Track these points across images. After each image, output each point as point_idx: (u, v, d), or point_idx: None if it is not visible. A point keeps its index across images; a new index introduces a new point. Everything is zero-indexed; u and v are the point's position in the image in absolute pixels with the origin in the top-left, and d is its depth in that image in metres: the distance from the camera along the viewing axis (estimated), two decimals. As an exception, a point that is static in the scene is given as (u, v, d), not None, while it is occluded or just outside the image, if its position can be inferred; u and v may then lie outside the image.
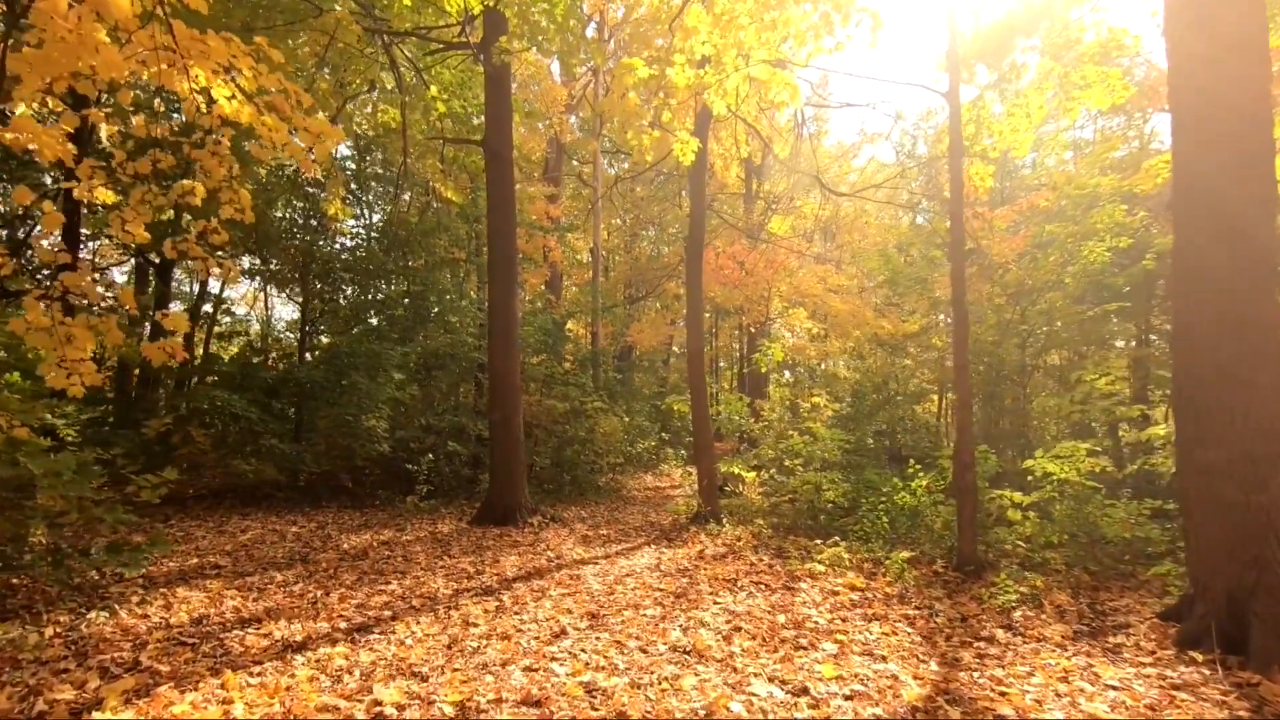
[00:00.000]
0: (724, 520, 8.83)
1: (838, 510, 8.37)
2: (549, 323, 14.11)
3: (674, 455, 19.49)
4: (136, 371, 12.00)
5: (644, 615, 4.93)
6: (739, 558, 6.90)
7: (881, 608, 5.23)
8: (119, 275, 21.25)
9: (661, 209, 23.00)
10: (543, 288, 21.07)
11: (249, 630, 4.34)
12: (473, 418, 12.25)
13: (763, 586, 5.77)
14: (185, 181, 5.62)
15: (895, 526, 7.33)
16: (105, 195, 5.16)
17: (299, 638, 4.24)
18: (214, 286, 15.88)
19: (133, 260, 12.76)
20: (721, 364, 32.39)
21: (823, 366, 20.90)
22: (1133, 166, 14.77)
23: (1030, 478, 7.09)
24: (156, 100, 5.40)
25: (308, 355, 12.76)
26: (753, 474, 9.66)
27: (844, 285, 15.57)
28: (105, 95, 5.91)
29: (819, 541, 7.36)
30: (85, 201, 5.57)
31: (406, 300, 14.11)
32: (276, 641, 4.14)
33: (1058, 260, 10.41)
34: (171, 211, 5.47)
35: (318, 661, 3.83)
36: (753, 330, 20.49)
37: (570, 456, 11.77)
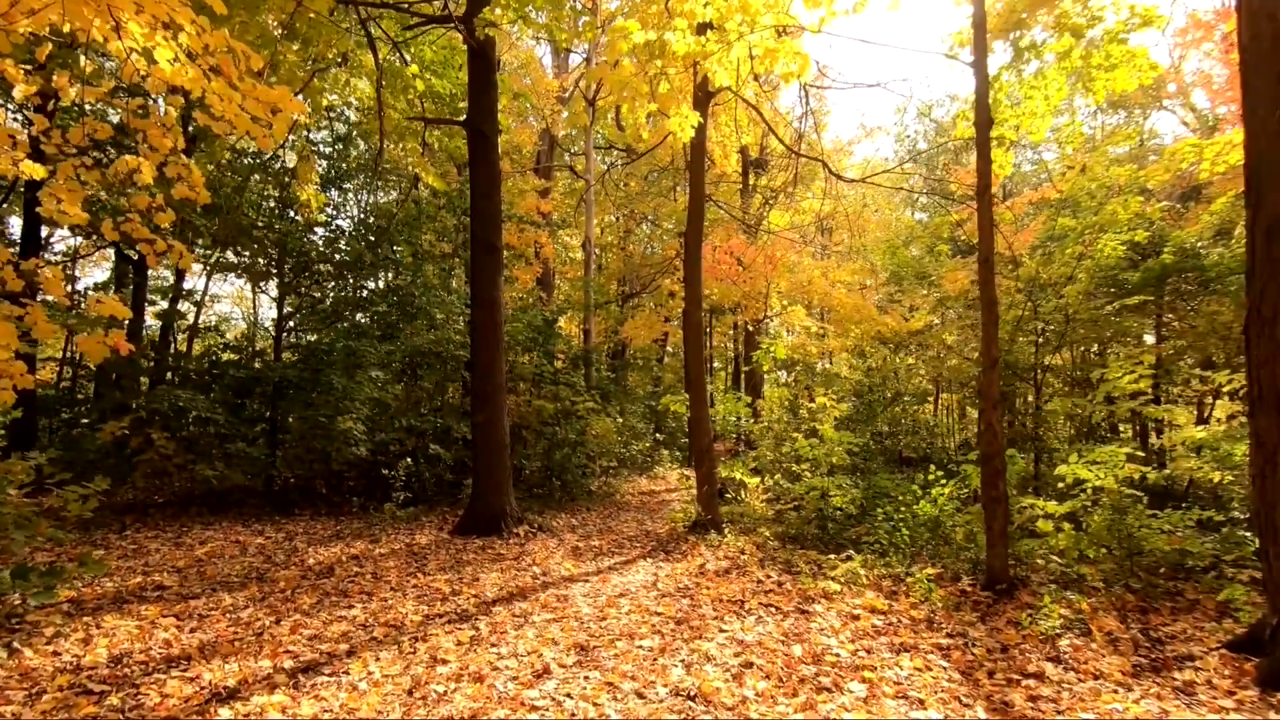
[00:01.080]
0: (725, 529, 8.21)
1: (847, 519, 7.77)
2: (539, 319, 13.45)
3: (669, 457, 18.86)
4: (104, 371, 11.30)
5: (640, 648, 4.30)
6: (744, 573, 6.27)
7: (909, 635, 4.61)
8: (102, 272, 20.44)
9: (656, 204, 22.39)
10: (534, 284, 20.44)
11: (174, 672, 3.68)
12: (459, 419, 11.59)
13: (773, 610, 5.15)
14: (128, 157, 4.96)
15: (914, 538, 6.73)
16: (31, 169, 4.49)
17: (232, 681, 3.58)
18: (198, 284, 15.19)
19: (112, 254, 12.08)
20: (716, 364, 31.80)
21: (821, 366, 20.33)
22: (1135, 161, 14.31)
23: (1060, 485, 6.50)
24: (84, 59, 4.73)
25: (288, 354, 12.08)
26: (755, 479, 9.04)
27: (846, 280, 14.98)
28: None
29: (831, 555, 6.75)
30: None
31: (392, 295, 13.46)
32: (204, 689, 3.48)
33: (1074, 253, 9.84)
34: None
35: (247, 716, 3.18)
36: (750, 328, 19.89)
37: (560, 460, 11.13)
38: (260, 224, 10.87)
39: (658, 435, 18.86)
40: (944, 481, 6.65)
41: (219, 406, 9.86)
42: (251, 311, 18.75)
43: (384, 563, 6.57)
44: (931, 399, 16.19)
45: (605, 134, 21.45)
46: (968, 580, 5.75)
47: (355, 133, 12.25)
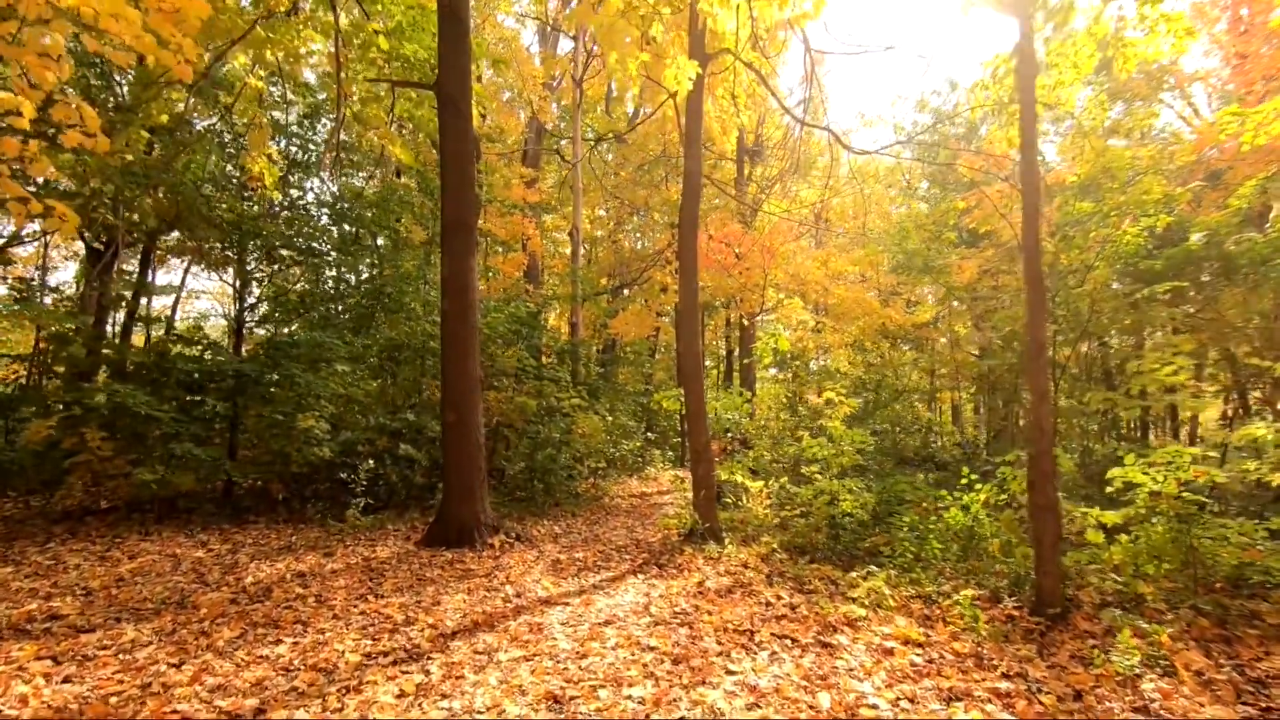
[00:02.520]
0: (725, 538, 7.38)
1: (859, 526, 6.95)
2: (522, 310, 12.56)
3: (661, 457, 18.02)
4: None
5: (629, 698, 3.44)
6: (750, 593, 5.43)
7: (957, 677, 3.78)
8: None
9: (647, 194, 21.51)
10: (522, 276, 19.56)
11: (11, 748, 2.79)
12: (435, 417, 10.68)
13: (789, 642, 4.30)
14: (2, 94, 4.09)
15: (944, 551, 5.91)
16: None
17: (86, 762, 2.69)
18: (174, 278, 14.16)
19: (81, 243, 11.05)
20: (708, 363, 30.96)
21: (818, 363, 19.53)
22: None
23: (1109, 489, 5.70)
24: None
25: (264, 347, 11.12)
26: (759, 483, 8.20)
27: (846, 272, 14.19)
28: None
29: (851, 573, 5.91)
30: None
31: (366, 286, 12.55)
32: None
33: (1099, 236, 9.07)
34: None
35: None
36: (745, 323, 19.08)
37: (543, 461, 10.25)
38: (214, 204, 9.93)
39: (649, 434, 18.01)
40: (980, 486, 5.81)
41: (166, 404, 8.92)
42: (235, 306, 17.74)
43: (333, 582, 5.67)
44: (937, 396, 15.41)
45: (595, 127, 20.62)
46: (1011, 602, 4.93)
47: (322, 111, 11.33)
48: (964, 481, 5.88)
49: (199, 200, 9.68)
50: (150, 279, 22.12)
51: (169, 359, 9.82)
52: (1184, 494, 5.15)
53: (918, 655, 4.09)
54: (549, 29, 20.85)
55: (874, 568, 5.84)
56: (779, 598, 5.25)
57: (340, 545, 7.18)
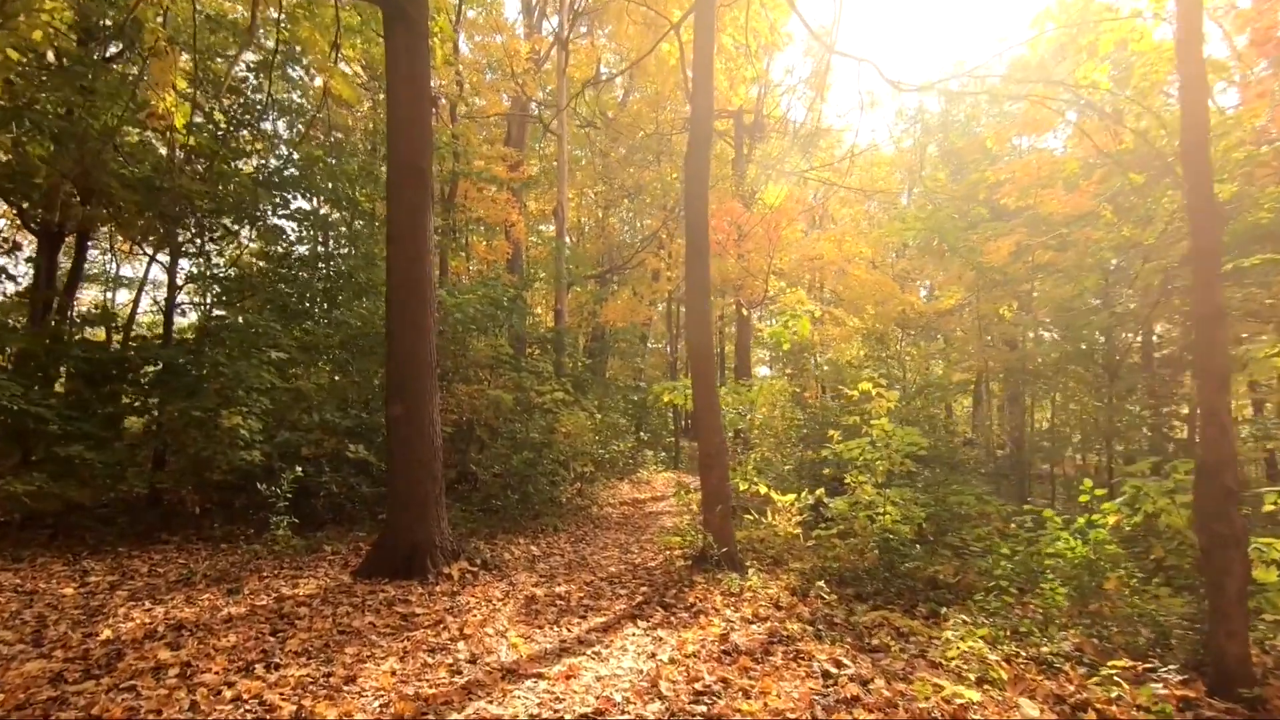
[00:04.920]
0: (744, 564, 5.90)
1: (916, 550, 5.49)
2: (500, 292, 10.98)
3: (654, 459, 16.51)
4: None
5: None
6: (796, 654, 3.93)
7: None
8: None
9: (639, 173, 20.00)
10: (503, 265, 18.00)
11: None
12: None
13: (882, 757, 2.81)
14: None
15: (1050, 589, 4.44)
16: None
17: None
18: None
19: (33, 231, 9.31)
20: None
21: (822, 355, 18.05)
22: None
23: (1269, 506, 4.26)
24: None
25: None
26: (790, 496, 6.68)
27: (861, 254, 12.75)
28: None
29: (915, 615, 4.44)
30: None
31: (320, 263, 10.92)
32: None
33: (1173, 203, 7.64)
34: None
35: None
36: (745, 313, 17.62)
37: (520, 466, 8.71)
38: (123, 162, 8.26)
39: (641, 433, 16.49)
40: (1109, 506, 4.31)
41: (51, 398, 7.31)
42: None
43: (218, 639, 4.10)
44: (958, 392, 14.01)
45: (582, 112, 19.09)
46: (1172, 672, 3.46)
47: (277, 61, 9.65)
48: (1084, 499, 4.40)
49: (109, 154, 8.00)
50: (114, 270, 20.07)
51: (65, 344, 8.16)
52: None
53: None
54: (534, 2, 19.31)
55: (941, 607, 4.39)
56: (839, 664, 3.75)
57: (254, 577, 5.60)
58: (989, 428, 13.30)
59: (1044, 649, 3.80)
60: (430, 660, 3.81)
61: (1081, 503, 4.41)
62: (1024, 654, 3.81)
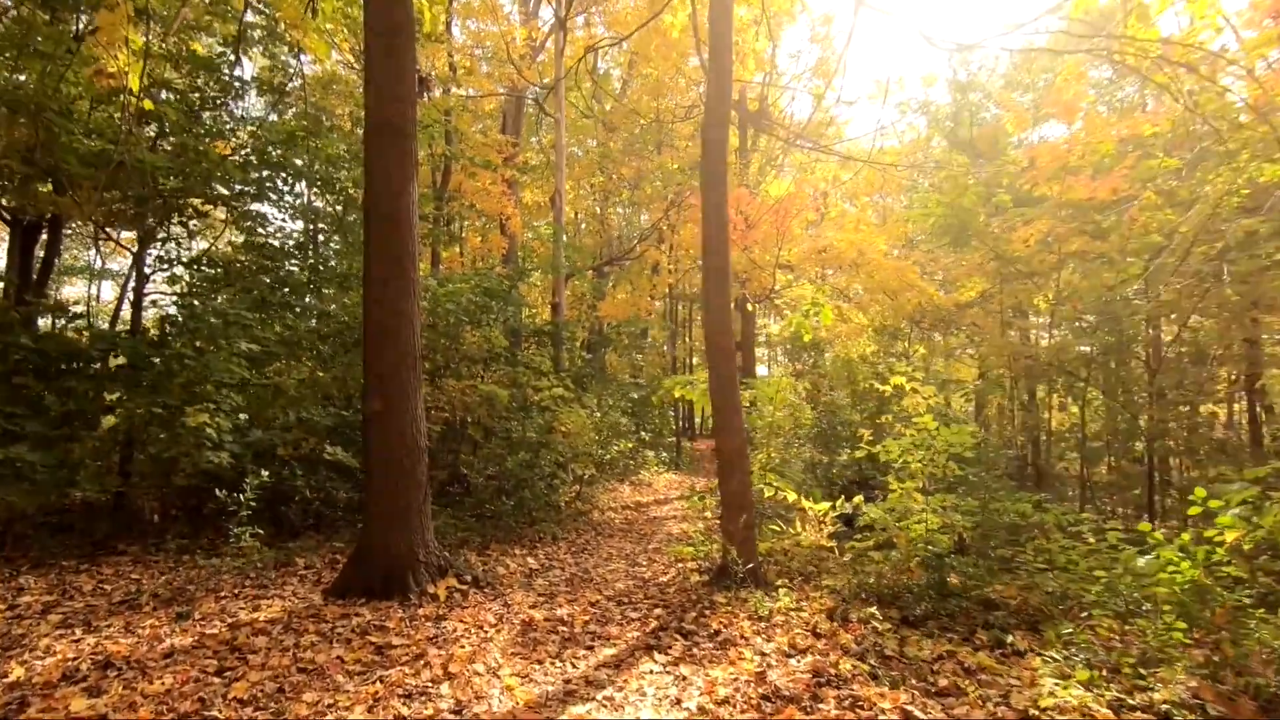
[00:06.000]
0: (769, 579, 5.21)
1: (970, 569, 4.81)
2: (494, 282, 10.26)
3: (655, 459, 15.81)
4: None
5: None
6: (851, 698, 3.24)
7: None
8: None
9: (639, 165, 19.27)
10: (498, 258, 17.30)
11: None
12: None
13: None
14: None
15: (1149, 621, 3.76)
16: None
17: None
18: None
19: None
20: (695, 360, 28.74)
21: (823, 353, 17.39)
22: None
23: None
24: None
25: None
26: (824, 505, 5.99)
27: (876, 243, 12.06)
28: None
29: (978, 644, 3.76)
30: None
31: (304, 250, 10.18)
32: None
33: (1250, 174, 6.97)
34: None
35: None
36: (750, 308, 16.92)
37: (516, 468, 8.00)
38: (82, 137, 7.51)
39: (642, 433, 15.77)
40: (1220, 522, 3.61)
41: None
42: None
43: (151, 680, 3.38)
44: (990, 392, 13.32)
45: (581, 102, 18.38)
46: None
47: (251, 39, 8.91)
48: (1193, 510, 3.71)
49: (59, 124, 7.24)
50: (95, 263, 19.22)
51: (13, 334, 7.40)
52: None
53: None
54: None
55: (1006, 635, 3.70)
56: (904, 712, 3.07)
57: (210, 597, 4.88)
58: (1006, 426, 12.64)
59: (1155, 695, 3.12)
60: (406, 712, 3.11)
61: (1192, 515, 3.73)
62: (1130, 700, 3.13)
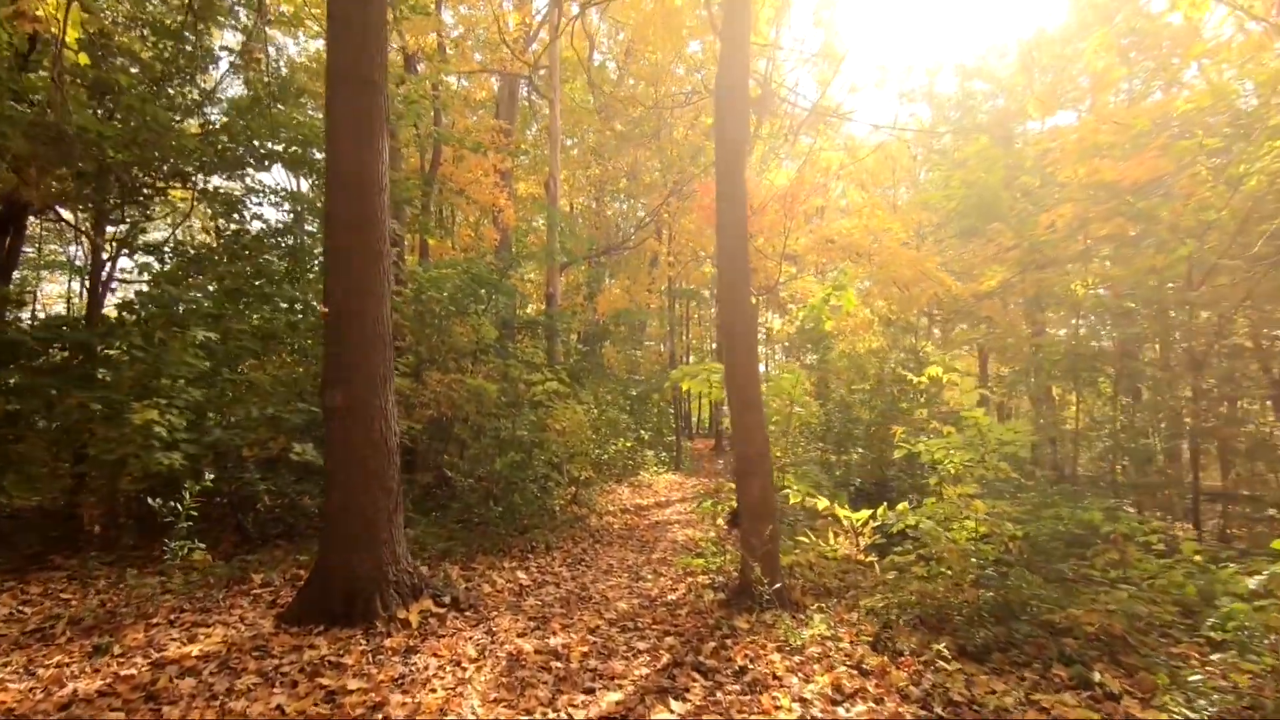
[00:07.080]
0: (796, 598, 4.50)
1: (1043, 593, 4.11)
2: (484, 269, 9.52)
3: (654, 459, 15.07)
4: None
5: None
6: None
7: None
8: None
9: (636, 154, 18.55)
10: (491, 250, 16.56)
11: None
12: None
13: None
14: None
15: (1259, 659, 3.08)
16: None
17: None
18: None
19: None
20: (692, 358, 27.97)
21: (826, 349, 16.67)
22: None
23: None
24: None
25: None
26: (863, 513, 5.27)
27: (890, 229, 11.37)
28: None
29: (1062, 688, 3.06)
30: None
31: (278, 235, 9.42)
32: None
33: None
34: None
35: None
36: (755, 300, 16.23)
37: (505, 470, 7.27)
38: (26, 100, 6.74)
39: (640, 431, 15.04)
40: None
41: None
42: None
43: (28, 747, 2.65)
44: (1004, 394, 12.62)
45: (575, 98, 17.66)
46: None
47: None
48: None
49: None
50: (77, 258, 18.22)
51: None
52: None
53: None
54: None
55: (1090, 671, 3.00)
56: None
57: (140, 625, 4.13)
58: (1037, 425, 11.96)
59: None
60: (350, 793, 2.38)
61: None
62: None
